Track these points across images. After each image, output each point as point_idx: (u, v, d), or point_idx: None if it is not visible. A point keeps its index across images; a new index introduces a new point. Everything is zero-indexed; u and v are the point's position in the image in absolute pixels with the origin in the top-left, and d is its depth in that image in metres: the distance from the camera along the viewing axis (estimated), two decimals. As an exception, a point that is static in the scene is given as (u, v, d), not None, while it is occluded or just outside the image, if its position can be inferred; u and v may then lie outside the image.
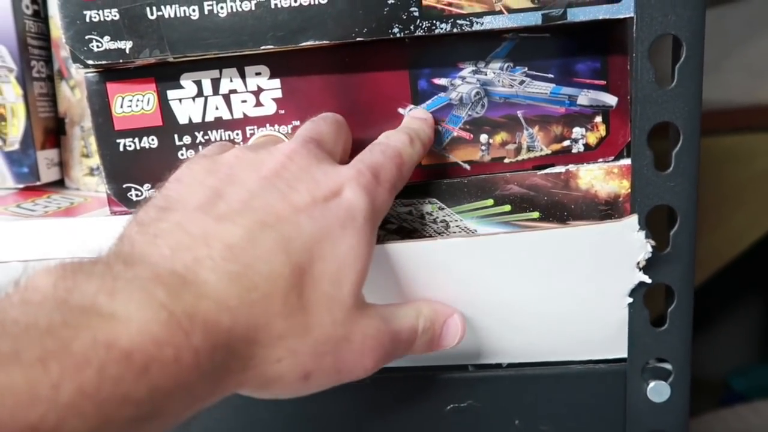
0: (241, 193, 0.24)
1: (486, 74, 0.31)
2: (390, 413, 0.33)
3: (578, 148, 0.31)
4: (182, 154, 0.31)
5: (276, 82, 0.31)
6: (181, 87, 0.30)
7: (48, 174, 0.39)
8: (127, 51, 0.28)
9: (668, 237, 0.29)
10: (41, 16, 0.39)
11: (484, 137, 0.31)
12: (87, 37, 0.28)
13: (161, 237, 0.22)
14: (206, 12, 0.28)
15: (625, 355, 0.31)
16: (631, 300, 0.29)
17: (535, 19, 0.28)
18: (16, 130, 0.38)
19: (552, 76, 0.31)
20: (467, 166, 0.32)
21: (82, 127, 0.39)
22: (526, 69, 0.31)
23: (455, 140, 0.31)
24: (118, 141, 0.31)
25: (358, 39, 0.28)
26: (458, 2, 0.28)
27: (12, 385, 0.16)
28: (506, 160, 0.32)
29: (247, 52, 0.29)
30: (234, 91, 0.31)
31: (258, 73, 0.30)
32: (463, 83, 0.31)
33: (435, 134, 0.31)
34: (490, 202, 0.31)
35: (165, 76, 0.30)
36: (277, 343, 0.22)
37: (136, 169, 0.31)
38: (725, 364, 0.96)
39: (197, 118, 0.31)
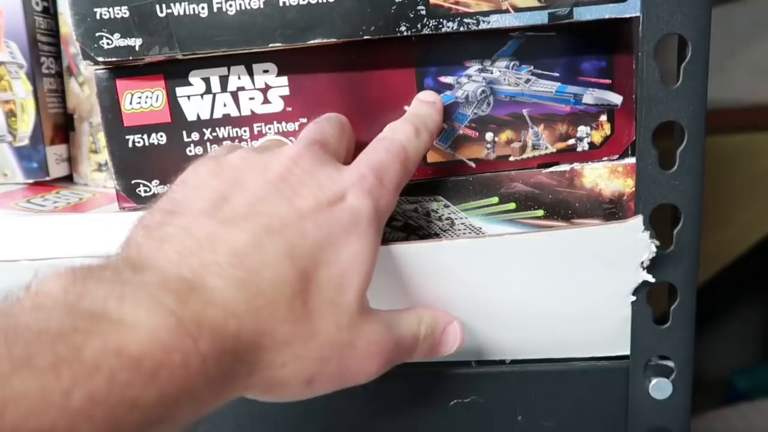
0: (247, 196, 0.24)
1: (492, 73, 0.31)
2: (394, 408, 0.33)
3: (583, 146, 0.32)
4: (190, 151, 0.31)
5: (283, 80, 0.31)
6: (189, 84, 0.31)
7: (57, 169, 0.40)
8: (137, 48, 0.29)
9: (672, 235, 0.29)
10: (51, 12, 0.39)
11: (489, 135, 0.32)
12: (97, 34, 0.29)
13: (167, 242, 0.22)
14: (215, 10, 0.28)
15: (627, 352, 0.31)
16: (634, 298, 0.30)
17: (541, 17, 0.28)
18: (25, 125, 0.38)
19: (558, 74, 0.31)
20: (473, 164, 0.32)
21: (91, 123, 0.39)
22: (532, 67, 0.31)
23: (461, 138, 0.32)
24: (127, 137, 0.31)
25: (365, 37, 0.28)
26: (465, 1, 0.28)
27: (26, 391, 0.16)
28: (511, 158, 0.32)
29: (255, 49, 0.29)
30: (242, 89, 0.31)
31: (266, 71, 0.31)
32: (470, 81, 0.31)
33: (441, 132, 0.31)
34: (495, 200, 0.32)
35: (174, 73, 0.31)
36: (282, 349, 0.22)
37: (144, 166, 0.32)
38: (728, 363, 0.96)
39: (205, 115, 0.31)
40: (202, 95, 0.31)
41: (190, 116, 0.31)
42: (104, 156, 0.39)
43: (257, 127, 0.31)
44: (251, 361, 0.22)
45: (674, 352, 0.30)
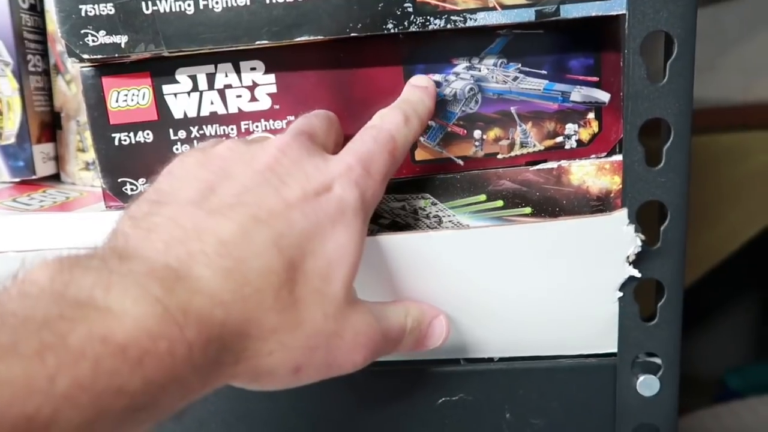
0: (234, 187, 0.24)
1: (480, 70, 0.31)
2: (381, 407, 0.33)
3: (571, 144, 0.32)
4: (177, 149, 0.31)
5: (271, 77, 0.31)
6: (176, 82, 0.31)
7: (44, 168, 0.39)
8: (123, 45, 0.29)
9: (659, 232, 0.29)
10: (38, 10, 0.39)
11: (477, 133, 0.32)
12: (82, 31, 0.28)
13: (154, 231, 0.22)
14: (201, 7, 0.28)
15: (615, 349, 0.31)
16: (621, 294, 0.30)
17: (528, 15, 0.28)
18: (11, 123, 0.38)
19: (545, 72, 0.31)
20: (460, 162, 0.32)
21: (78, 121, 0.39)
22: (520, 65, 0.31)
23: (449, 136, 0.32)
24: (113, 135, 0.31)
25: (352, 34, 0.28)
26: (452, -2, 0.28)
27: (10, 377, 0.16)
28: (499, 156, 0.32)
29: (242, 47, 0.29)
30: (229, 86, 0.31)
31: (253, 68, 0.31)
32: (457, 79, 0.31)
33: (429, 130, 0.31)
34: (483, 197, 0.32)
35: (160, 70, 0.30)
36: (269, 337, 0.22)
37: (131, 164, 0.31)
38: (720, 361, 0.96)
39: (192, 113, 0.31)
40: (189, 93, 0.31)
41: (177, 114, 0.31)
42: (92, 155, 0.39)
43: (245, 125, 0.31)
44: (238, 349, 0.22)
45: (661, 349, 0.30)
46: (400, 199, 0.32)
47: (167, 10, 0.28)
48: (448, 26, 0.28)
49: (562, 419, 0.32)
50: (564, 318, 0.31)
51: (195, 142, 0.31)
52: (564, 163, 0.31)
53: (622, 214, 0.28)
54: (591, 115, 0.31)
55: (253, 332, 0.22)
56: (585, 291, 0.30)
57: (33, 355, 0.17)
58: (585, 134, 0.32)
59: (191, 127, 0.31)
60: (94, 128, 0.31)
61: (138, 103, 0.31)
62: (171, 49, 0.29)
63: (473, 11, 0.28)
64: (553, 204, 0.31)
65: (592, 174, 0.31)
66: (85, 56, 0.29)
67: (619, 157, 0.31)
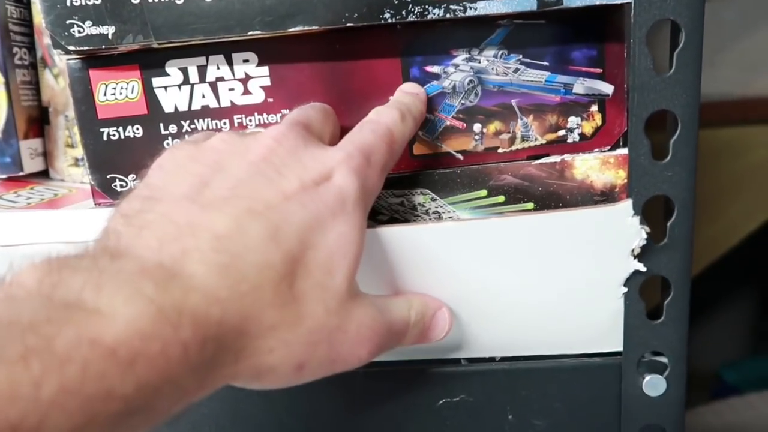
0: (228, 180, 0.23)
1: (480, 62, 0.30)
2: (380, 408, 0.32)
3: (573, 137, 0.31)
4: (168, 144, 0.30)
5: (264, 70, 0.30)
6: (166, 74, 0.30)
7: (31, 164, 0.38)
8: (110, 36, 0.28)
9: (665, 228, 0.28)
10: (23, 1, 0.38)
11: (477, 126, 0.31)
12: (68, 21, 0.27)
13: (147, 228, 0.22)
14: (191, -4, 0.27)
15: (620, 348, 0.30)
16: (626, 290, 0.29)
17: (530, 4, 0.27)
18: (-3, 118, 0.37)
19: (547, 63, 0.30)
20: (460, 156, 0.31)
21: (67, 116, 0.38)
22: (521, 56, 0.30)
23: (448, 129, 0.31)
24: (101, 130, 0.30)
25: (348, 25, 0.27)
26: (451, -13, 0.27)
27: None
28: (500, 150, 0.31)
29: (234, 38, 0.28)
30: (221, 79, 0.30)
31: (246, 60, 0.30)
32: (456, 71, 0.30)
33: (427, 123, 0.30)
34: (484, 192, 0.31)
35: (150, 63, 0.29)
36: (269, 334, 0.22)
37: (120, 159, 0.30)
38: (717, 356, 0.96)
39: (183, 107, 0.30)
40: (179, 86, 0.30)
41: (168, 108, 0.30)
42: (81, 150, 0.38)
43: (237, 118, 0.30)
44: (237, 348, 0.21)
45: (668, 347, 0.30)
46: (399, 195, 0.31)
47: (156, -1, 0.27)
48: (447, 16, 0.27)
49: (565, 420, 0.31)
50: (567, 314, 0.30)
51: (186, 137, 0.30)
52: (567, 157, 0.30)
53: (626, 205, 0.27)
54: (594, 108, 0.30)
55: (252, 330, 0.21)
56: (589, 286, 0.29)
57: (17, 360, 0.16)
58: (588, 127, 0.31)
59: (182, 122, 0.30)
60: (82, 123, 0.30)
61: (127, 96, 0.30)
62: (160, 40, 0.28)
63: (473, 0, 0.27)
64: (556, 199, 0.31)
65: (596, 168, 0.30)
66: (71, 48, 0.28)
67: (623, 151, 0.30)
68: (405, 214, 0.31)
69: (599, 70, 0.30)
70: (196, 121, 0.30)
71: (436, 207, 0.31)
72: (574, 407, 0.31)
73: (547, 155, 0.31)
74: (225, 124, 0.30)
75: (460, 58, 0.30)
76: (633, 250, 0.28)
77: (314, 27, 0.27)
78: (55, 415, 0.16)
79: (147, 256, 0.21)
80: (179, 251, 0.21)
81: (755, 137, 0.77)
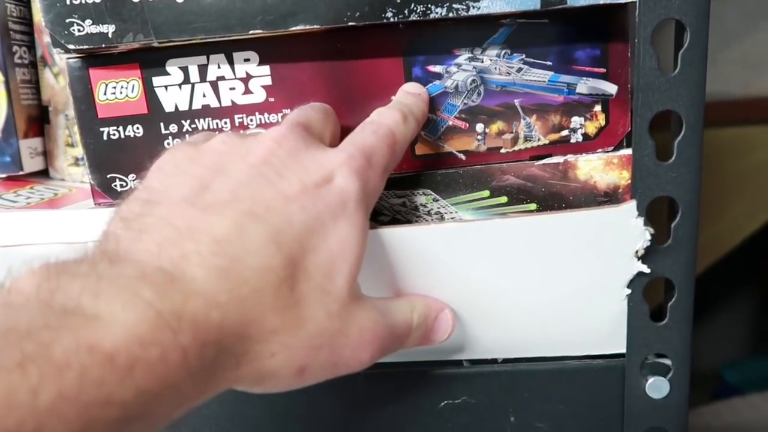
0: (228, 182, 0.23)
1: (482, 61, 0.30)
2: (383, 409, 0.32)
3: (577, 137, 0.31)
4: (168, 143, 0.30)
5: (265, 69, 0.30)
6: (167, 73, 0.29)
7: (31, 164, 0.38)
8: (110, 35, 0.27)
9: (669, 229, 0.28)
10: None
11: (480, 126, 0.30)
12: (68, 20, 0.27)
13: (146, 232, 0.22)
14: (192, -6, 0.27)
15: (623, 350, 0.30)
16: (629, 291, 0.29)
17: (533, 3, 0.27)
18: (-3, 117, 0.37)
19: (550, 63, 0.30)
20: (462, 156, 0.31)
21: (67, 115, 0.38)
22: (524, 56, 0.30)
23: (450, 129, 0.30)
24: (101, 129, 0.30)
25: (350, 24, 0.27)
26: (454, -14, 0.27)
27: None
28: (503, 150, 0.31)
29: (235, 36, 0.28)
30: (222, 78, 0.30)
31: (247, 60, 0.29)
32: (459, 71, 0.30)
33: (429, 123, 0.30)
34: (486, 193, 0.31)
35: (150, 62, 0.29)
36: (271, 338, 0.22)
37: (120, 159, 0.30)
38: (718, 356, 0.96)
39: (184, 106, 0.30)
40: (180, 85, 0.30)
41: (168, 107, 0.30)
42: (81, 150, 0.37)
43: (238, 118, 0.30)
44: (238, 352, 0.21)
45: (671, 349, 0.30)
46: (401, 196, 0.31)
47: (156, -2, 0.27)
48: (450, 15, 0.27)
49: (568, 422, 0.31)
50: (570, 316, 0.30)
51: (186, 136, 0.30)
52: (571, 157, 0.30)
53: (630, 206, 0.27)
54: (597, 108, 0.30)
55: (253, 334, 0.21)
56: (592, 288, 0.29)
57: (14, 367, 0.16)
58: (591, 127, 0.30)
59: (183, 121, 0.30)
60: (82, 122, 0.30)
61: (127, 95, 0.30)
62: (161, 38, 0.27)
63: (476, -1, 0.27)
64: (559, 200, 0.30)
65: (600, 169, 0.30)
66: (71, 46, 0.27)
67: (627, 151, 0.30)
68: (407, 215, 0.31)
69: (603, 70, 0.30)
70: (196, 120, 0.30)
71: (438, 208, 0.31)
72: (577, 409, 0.31)
73: (550, 155, 0.31)
74: (226, 123, 0.30)
75: (463, 57, 0.30)
76: (637, 252, 0.28)
77: (316, 26, 0.27)
78: (52, 422, 0.16)
79: (146, 260, 0.20)
80: (179, 255, 0.21)
81: (757, 137, 0.77)
